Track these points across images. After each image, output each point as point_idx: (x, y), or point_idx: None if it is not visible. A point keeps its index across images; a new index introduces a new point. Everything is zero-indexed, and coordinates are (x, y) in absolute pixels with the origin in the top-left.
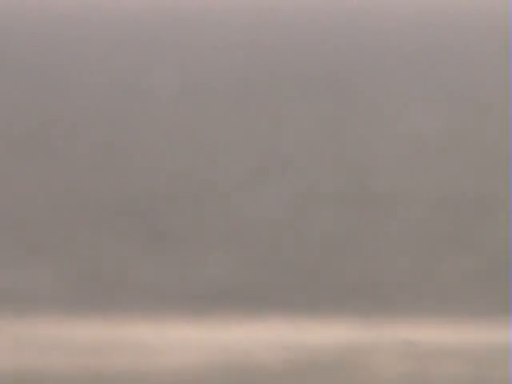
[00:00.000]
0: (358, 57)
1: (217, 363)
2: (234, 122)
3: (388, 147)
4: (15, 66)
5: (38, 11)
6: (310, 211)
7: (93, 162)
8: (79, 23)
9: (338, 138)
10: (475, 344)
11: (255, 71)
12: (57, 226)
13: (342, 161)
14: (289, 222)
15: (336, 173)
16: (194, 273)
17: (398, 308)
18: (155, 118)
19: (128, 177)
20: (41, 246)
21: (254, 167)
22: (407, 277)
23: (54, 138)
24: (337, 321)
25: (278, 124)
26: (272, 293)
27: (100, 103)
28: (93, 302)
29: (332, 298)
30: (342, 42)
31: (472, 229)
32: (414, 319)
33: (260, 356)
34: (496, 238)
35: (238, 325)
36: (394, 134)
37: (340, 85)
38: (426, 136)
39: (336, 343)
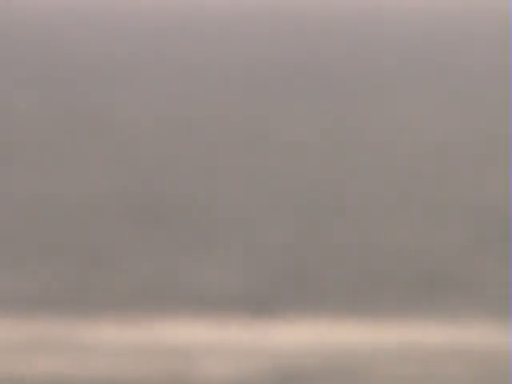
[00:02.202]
0: (358, 57)
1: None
2: (235, 122)
3: (390, 147)
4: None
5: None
6: (319, 214)
7: (97, 162)
8: (79, 22)
9: (340, 140)
10: (476, 345)
11: (255, 68)
12: (65, 226)
13: (342, 161)
14: (297, 225)
15: (336, 174)
16: (208, 275)
17: (403, 309)
18: (158, 116)
19: (134, 176)
20: (46, 247)
21: (254, 168)
22: (411, 277)
23: (55, 138)
24: (351, 321)
25: (280, 125)
26: (287, 296)
27: (96, 101)
28: (105, 304)
29: (338, 300)
30: (340, 42)
31: (476, 230)
32: (419, 320)
33: (278, 360)
34: (499, 240)
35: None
36: (395, 134)
37: (341, 85)
38: (427, 135)
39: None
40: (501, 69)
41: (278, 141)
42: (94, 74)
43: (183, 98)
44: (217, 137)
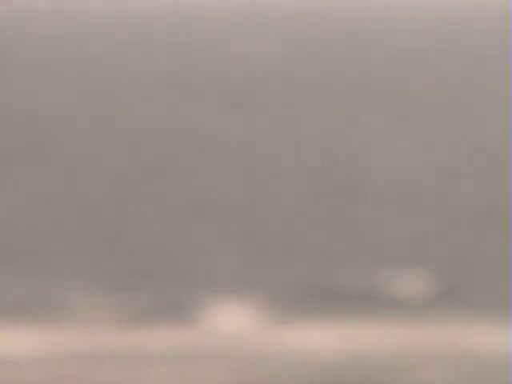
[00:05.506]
0: (358, 57)
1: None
2: (234, 122)
3: (391, 150)
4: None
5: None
6: (321, 215)
7: (97, 163)
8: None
9: (342, 142)
10: (474, 346)
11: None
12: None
13: (342, 162)
14: (297, 225)
15: (336, 174)
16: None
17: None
18: (156, 115)
19: (135, 178)
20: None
21: (253, 168)
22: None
23: (54, 144)
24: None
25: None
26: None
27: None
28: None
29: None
30: (342, 47)
31: (476, 231)
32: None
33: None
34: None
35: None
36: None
37: (348, 87)
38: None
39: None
40: (501, 69)
41: (279, 141)
42: (93, 76)
43: (178, 100)
44: (217, 136)
